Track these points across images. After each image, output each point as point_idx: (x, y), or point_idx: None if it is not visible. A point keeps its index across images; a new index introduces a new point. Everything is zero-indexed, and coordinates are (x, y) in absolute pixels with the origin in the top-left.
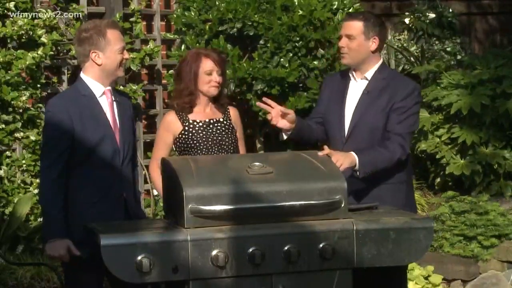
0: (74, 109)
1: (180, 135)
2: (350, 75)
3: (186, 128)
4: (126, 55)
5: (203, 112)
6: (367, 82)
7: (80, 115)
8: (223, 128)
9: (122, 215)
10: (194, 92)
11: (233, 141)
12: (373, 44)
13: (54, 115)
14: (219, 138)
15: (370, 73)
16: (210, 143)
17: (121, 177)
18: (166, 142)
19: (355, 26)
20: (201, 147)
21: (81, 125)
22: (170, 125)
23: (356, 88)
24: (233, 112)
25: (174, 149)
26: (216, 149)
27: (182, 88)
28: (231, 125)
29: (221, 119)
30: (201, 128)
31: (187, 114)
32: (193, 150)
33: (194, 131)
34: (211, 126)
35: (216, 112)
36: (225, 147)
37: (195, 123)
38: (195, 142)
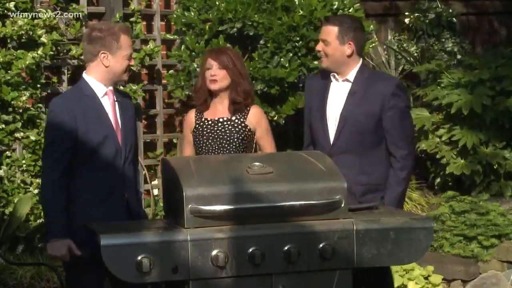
0: (77, 110)
1: (193, 132)
2: (332, 76)
3: (197, 125)
4: (132, 61)
5: (217, 110)
6: (350, 84)
7: (83, 116)
8: (230, 127)
9: (124, 215)
10: (202, 88)
11: (235, 140)
12: (349, 49)
13: (57, 115)
14: (221, 136)
15: (352, 75)
16: (210, 141)
17: (123, 177)
18: (188, 138)
19: (330, 31)
20: (204, 144)
21: (84, 125)
22: (188, 122)
23: (339, 89)
24: (253, 111)
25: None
26: (216, 147)
27: (195, 85)
28: (242, 124)
29: (233, 118)
30: (209, 126)
31: (203, 111)
32: (199, 146)
33: (201, 129)
34: (219, 124)
35: (228, 110)
36: (226, 145)
37: (205, 121)
38: (201, 139)
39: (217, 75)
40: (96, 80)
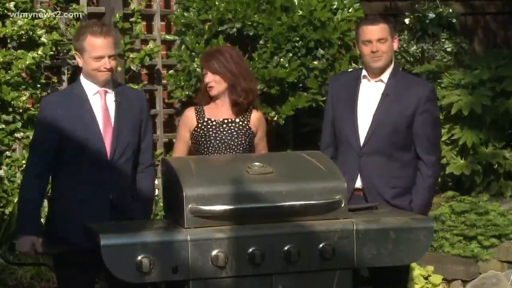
0: (63, 108)
1: (194, 131)
2: (362, 77)
3: (200, 125)
4: (107, 63)
5: (220, 111)
6: (383, 84)
7: (68, 114)
8: (236, 129)
9: (107, 215)
10: (205, 91)
11: (243, 142)
12: (395, 44)
13: (44, 112)
14: (228, 138)
15: (385, 76)
16: (218, 142)
17: (110, 177)
18: (184, 137)
19: (384, 28)
20: (209, 145)
21: (68, 124)
22: (187, 120)
23: (371, 90)
24: (254, 115)
25: (190, 144)
26: (223, 148)
27: (201, 85)
28: (247, 126)
29: (237, 120)
30: (213, 127)
31: (205, 111)
32: (203, 147)
33: (206, 129)
34: (224, 125)
35: (231, 112)
36: (233, 147)
37: (209, 121)
38: (205, 140)
39: (211, 81)
40: (86, 79)
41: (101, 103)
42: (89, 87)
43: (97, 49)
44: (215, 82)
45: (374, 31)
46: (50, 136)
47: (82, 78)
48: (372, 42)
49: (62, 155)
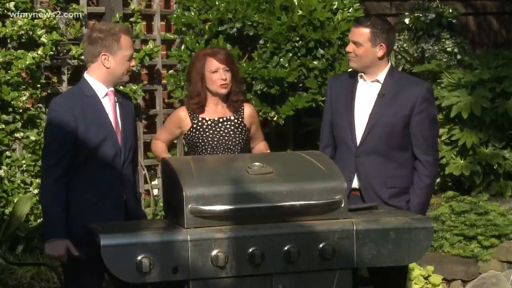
0: (78, 109)
1: (188, 132)
2: (359, 77)
3: (195, 126)
4: (133, 62)
5: (213, 110)
6: (380, 84)
7: (84, 116)
8: (232, 127)
9: (122, 216)
10: (201, 93)
11: (241, 140)
12: (380, 51)
13: (59, 115)
14: (226, 137)
15: (381, 76)
16: (216, 142)
17: (122, 178)
18: (173, 132)
19: (362, 33)
20: (207, 145)
21: (84, 125)
22: (180, 121)
23: (367, 90)
24: (247, 109)
25: (184, 144)
26: (222, 148)
27: (191, 90)
28: (242, 124)
29: (232, 117)
30: (209, 127)
31: (198, 113)
32: (199, 148)
33: (201, 130)
34: (219, 124)
35: (227, 110)
36: (231, 146)
37: (204, 121)
38: (202, 140)
39: (227, 78)
40: (97, 80)
41: (111, 104)
42: (99, 88)
43: (131, 47)
44: (229, 79)
45: (352, 33)
46: (67, 137)
47: (90, 79)
48: (349, 42)
49: (75, 157)
